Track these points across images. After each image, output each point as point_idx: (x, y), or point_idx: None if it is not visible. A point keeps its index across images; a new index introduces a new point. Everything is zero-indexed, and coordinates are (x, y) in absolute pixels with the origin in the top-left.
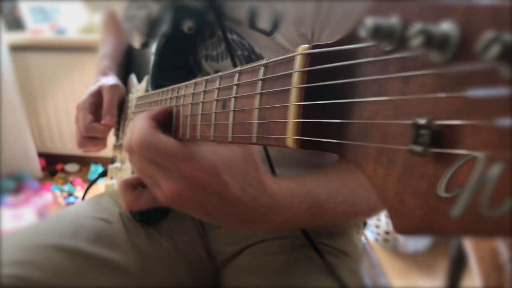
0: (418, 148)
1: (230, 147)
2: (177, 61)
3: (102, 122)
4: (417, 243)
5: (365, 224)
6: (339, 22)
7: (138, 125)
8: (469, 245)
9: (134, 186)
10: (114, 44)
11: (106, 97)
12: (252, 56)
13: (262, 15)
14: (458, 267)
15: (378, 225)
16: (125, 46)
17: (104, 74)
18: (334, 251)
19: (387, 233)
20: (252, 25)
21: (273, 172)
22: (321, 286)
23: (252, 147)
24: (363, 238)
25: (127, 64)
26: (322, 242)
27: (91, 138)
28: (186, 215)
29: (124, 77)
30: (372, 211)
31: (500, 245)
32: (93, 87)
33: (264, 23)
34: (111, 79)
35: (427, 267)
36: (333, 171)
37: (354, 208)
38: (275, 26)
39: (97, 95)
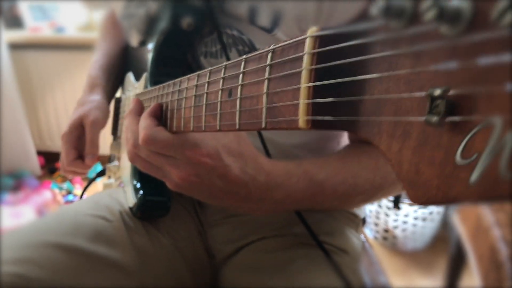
0: (433, 118)
1: (224, 133)
2: (175, 57)
3: (85, 160)
4: (416, 242)
5: (364, 222)
6: (341, 20)
7: (142, 124)
8: (468, 243)
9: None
10: (106, 51)
11: (88, 135)
12: (252, 51)
13: (262, 12)
14: (457, 265)
15: (377, 223)
16: (119, 50)
17: (91, 88)
18: (333, 249)
19: (386, 231)
20: (252, 22)
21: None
22: (320, 284)
23: (241, 133)
24: (362, 236)
25: (123, 65)
26: (321, 240)
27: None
28: (185, 213)
29: (114, 83)
30: (376, 193)
31: (500, 243)
32: (74, 117)
33: (264, 20)
34: (93, 109)
35: (426, 265)
36: (334, 155)
37: (356, 189)
38: (276, 23)
39: (80, 128)
